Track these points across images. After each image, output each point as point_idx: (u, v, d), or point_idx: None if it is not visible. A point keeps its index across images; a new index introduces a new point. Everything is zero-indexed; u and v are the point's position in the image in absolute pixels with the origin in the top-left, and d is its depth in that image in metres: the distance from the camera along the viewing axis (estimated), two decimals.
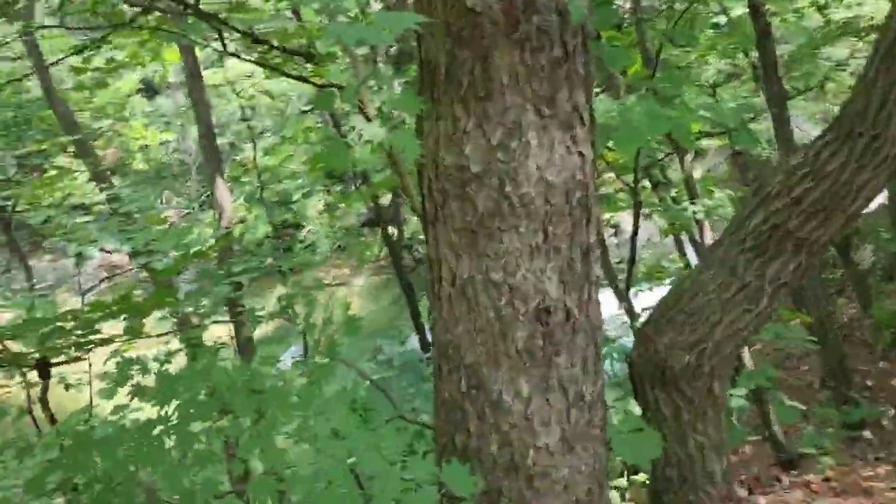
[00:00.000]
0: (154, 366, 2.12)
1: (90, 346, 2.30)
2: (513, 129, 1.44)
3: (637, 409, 2.36)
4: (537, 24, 1.41)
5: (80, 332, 2.10)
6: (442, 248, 1.58)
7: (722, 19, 6.73)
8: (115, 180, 14.53)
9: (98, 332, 2.29)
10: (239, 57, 2.43)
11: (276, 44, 2.48)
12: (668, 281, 6.07)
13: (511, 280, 1.52)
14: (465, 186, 1.49)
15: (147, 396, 1.68)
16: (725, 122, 2.48)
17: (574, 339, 1.58)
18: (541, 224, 1.50)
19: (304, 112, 14.91)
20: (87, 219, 6.01)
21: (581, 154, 1.51)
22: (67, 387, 7.53)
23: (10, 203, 7.92)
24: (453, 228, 1.54)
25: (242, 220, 13.49)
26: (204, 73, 11.98)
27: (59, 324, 2.07)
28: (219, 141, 18.29)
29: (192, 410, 1.63)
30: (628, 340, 5.04)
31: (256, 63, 2.52)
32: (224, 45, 2.31)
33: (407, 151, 1.42)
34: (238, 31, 2.33)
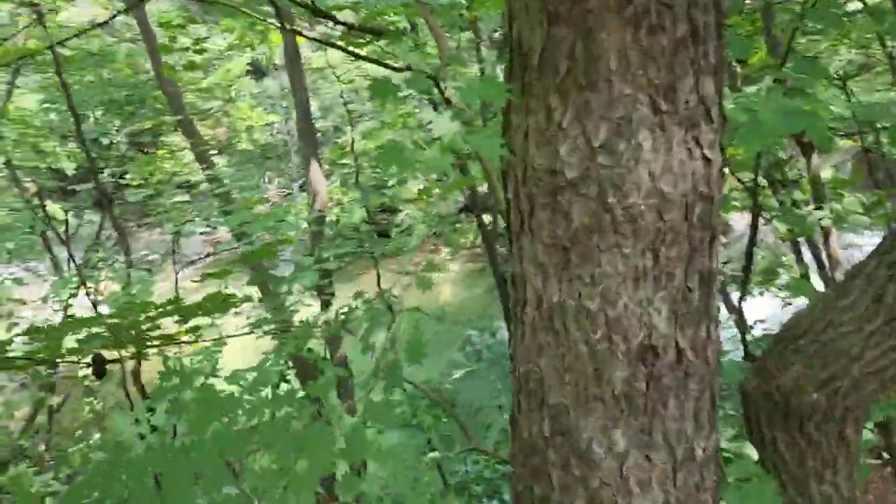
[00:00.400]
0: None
1: (151, 346, 2.18)
2: (621, 125, 1.17)
3: (751, 452, 2.04)
4: None
5: (136, 330, 1.97)
6: (527, 265, 1.32)
7: (856, 5, 6.08)
8: (222, 159, 14.95)
9: (157, 328, 2.16)
10: (299, 33, 2.24)
11: (341, 19, 2.27)
12: (780, 291, 5.55)
13: (610, 310, 1.24)
14: (558, 194, 1.23)
15: (186, 415, 1.53)
16: (876, 118, 2.10)
17: (685, 385, 1.29)
18: (650, 244, 1.21)
19: (404, 96, 14.84)
20: (184, 198, 6.05)
21: (706, 159, 1.21)
22: (166, 358, 7.72)
23: (114, 180, 8.16)
24: (541, 243, 1.28)
25: (339, 204, 13.56)
26: (309, 55, 12.08)
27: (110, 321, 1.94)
28: (322, 124, 18.62)
29: (226, 441, 1.47)
30: (736, 352, 4.61)
31: (320, 41, 2.32)
32: (282, 21, 2.13)
33: (485, 151, 1.16)
34: (296, 2, 2.13)
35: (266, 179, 20.25)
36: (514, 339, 1.43)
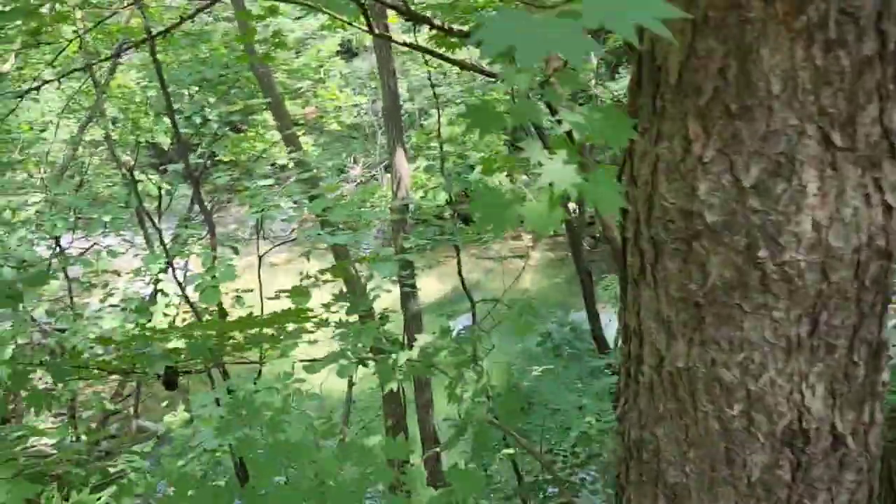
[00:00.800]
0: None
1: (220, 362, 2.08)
2: (780, 163, 0.94)
3: None
4: (839, 4, 0.89)
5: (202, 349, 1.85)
6: (646, 318, 1.11)
7: None
8: (309, 139, 15.10)
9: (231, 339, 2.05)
10: (389, 38, 2.05)
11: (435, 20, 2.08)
12: None
13: (751, 383, 1.02)
14: (694, 240, 1.01)
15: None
16: None
17: (840, 477, 1.06)
18: (809, 309, 0.99)
19: (493, 81, 14.58)
20: (268, 182, 6.04)
21: (887, 206, 0.97)
22: (242, 333, 7.81)
23: (204, 160, 8.27)
24: (667, 295, 1.06)
25: (423, 188, 13.49)
26: (399, 37, 11.97)
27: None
28: (409, 106, 18.54)
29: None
30: None
31: (411, 46, 2.13)
32: (369, 24, 1.95)
33: (602, 205, 0.95)
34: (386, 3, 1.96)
35: (352, 160, 20.41)
36: (625, 398, 1.22)
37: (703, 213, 0.99)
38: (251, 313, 2.12)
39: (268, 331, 2.27)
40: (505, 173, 19.41)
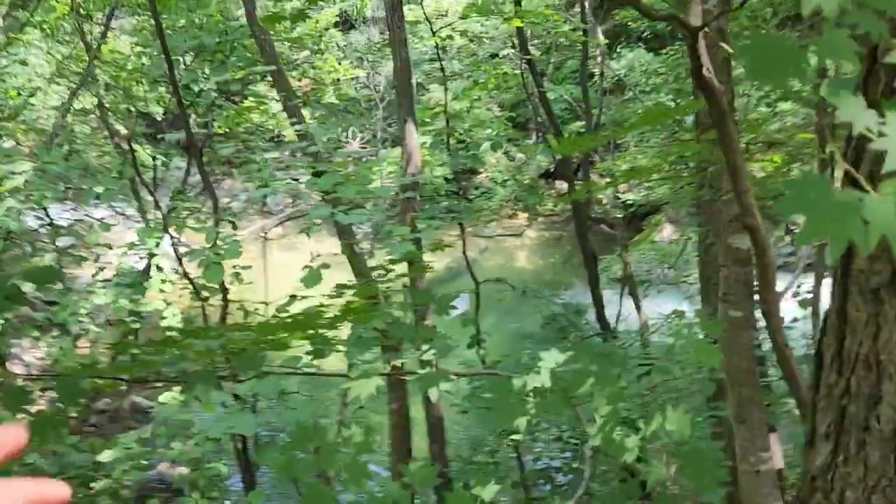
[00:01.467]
0: None
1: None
2: None
3: None
4: None
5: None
6: (890, 343, 0.83)
7: None
8: (305, 112, 14.72)
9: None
10: None
11: None
12: None
13: None
14: None
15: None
16: None
17: None
18: None
19: (495, 56, 14.21)
20: (274, 154, 5.73)
21: None
22: (246, 314, 7.56)
23: (203, 131, 7.93)
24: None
25: (426, 165, 13.16)
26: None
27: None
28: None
29: None
30: None
31: None
32: None
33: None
34: None
35: (349, 135, 20.02)
36: (834, 445, 0.93)
37: None
38: (277, 315, 1.84)
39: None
40: (502, 151, 19.12)
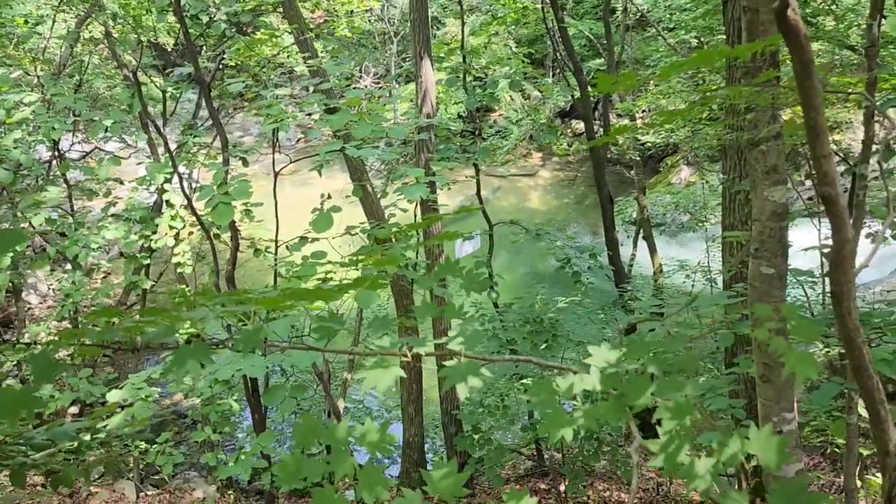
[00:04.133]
0: None
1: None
2: None
3: None
4: None
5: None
6: None
7: None
8: (318, 45, 14.40)
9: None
10: None
11: None
12: None
13: None
14: None
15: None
16: None
17: None
18: None
19: None
20: (286, 91, 5.55)
21: None
22: (257, 251, 7.50)
23: (211, 65, 7.70)
24: None
25: (441, 103, 12.90)
26: None
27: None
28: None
29: None
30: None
31: None
32: None
33: None
34: None
35: (361, 69, 19.60)
36: None
37: None
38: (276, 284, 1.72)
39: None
40: (519, 90, 18.67)
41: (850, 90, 2.52)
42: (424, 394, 7.26)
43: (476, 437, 6.19)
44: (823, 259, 4.69)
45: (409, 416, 6.62)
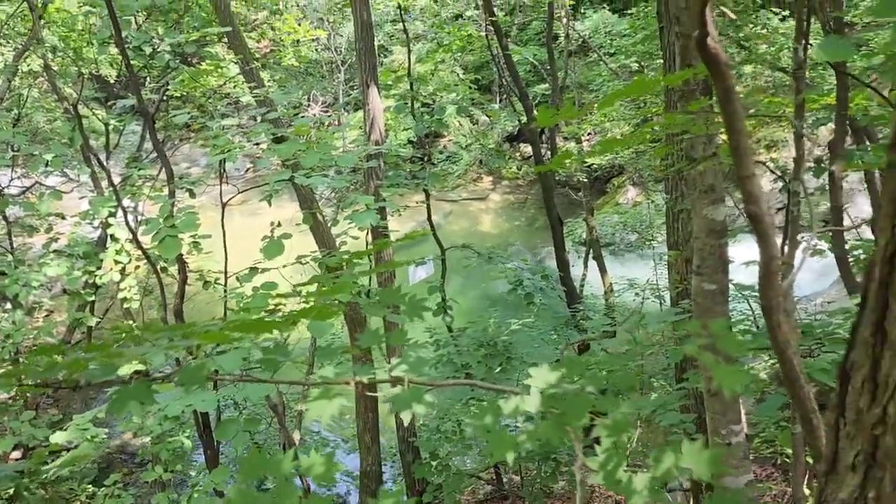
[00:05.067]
0: None
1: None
2: None
3: None
4: None
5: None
6: None
7: None
8: (265, 75, 14.33)
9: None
10: None
11: None
12: None
13: None
14: None
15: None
16: None
17: None
18: None
19: (459, 17, 13.94)
20: (233, 122, 5.51)
21: None
22: (206, 283, 7.38)
23: (154, 97, 7.62)
24: None
25: (390, 129, 12.94)
26: None
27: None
28: None
29: None
30: None
31: None
32: None
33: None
34: None
35: (309, 98, 19.58)
36: (833, 473, 0.85)
37: None
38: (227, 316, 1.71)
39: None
40: (467, 115, 18.87)
41: (780, 111, 2.63)
42: (382, 422, 7.20)
43: (434, 463, 6.16)
44: None
45: (366, 445, 6.55)
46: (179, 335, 1.13)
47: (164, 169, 6.08)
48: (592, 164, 13.83)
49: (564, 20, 11.38)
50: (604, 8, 15.91)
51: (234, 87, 11.63)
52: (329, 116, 18.95)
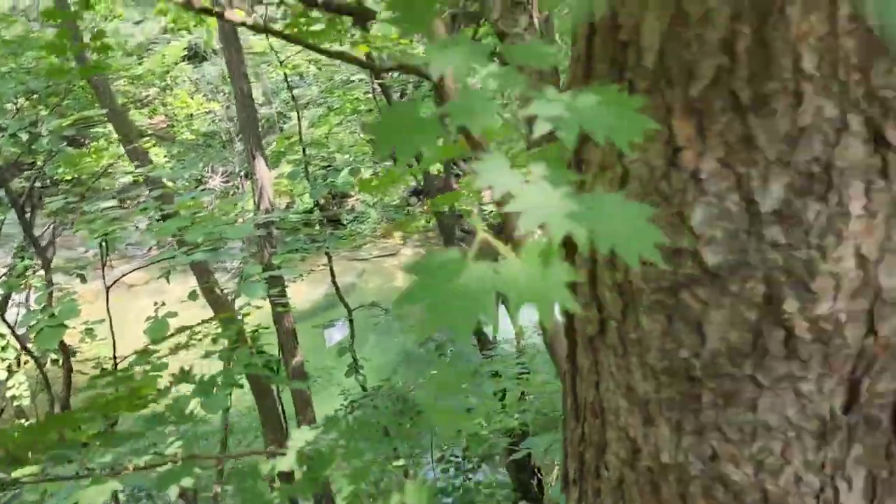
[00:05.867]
0: None
1: None
2: (814, 174, 0.64)
3: None
4: None
5: None
6: (612, 395, 0.80)
7: None
8: (161, 150, 14.09)
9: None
10: (222, 17, 1.58)
11: None
12: None
13: (770, 483, 0.73)
14: (684, 290, 0.70)
15: None
16: None
17: None
18: (848, 374, 0.70)
19: (351, 81, 14.15)
20: (110, 203, 5.39)
21: None
22: (103, 371, 7.04)
23: (26, 185, 7.39)
24: (643, 365, 0.75)
25: (288, 195, 12.91)
26: (249, 38, 11.29)
27: None
28: (266, 111, 17.84)
29: None
30: None
31: (255, 28, 1.71)
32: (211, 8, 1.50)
33: (630, 248, 0.56)
34: None
35: (210, 170, 19.32)
36: (578, 496, 0.90)
37: (699, 253, 0.68)
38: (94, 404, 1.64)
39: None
40: (372, 173, 19.00)
41: None
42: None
43: None
44: None
45: None
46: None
47: (41, 263, 5.86)
48: (491, 211, 14.11)
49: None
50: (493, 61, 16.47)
51: (128, 165, 11.36)
52: (231, 186, 18.71)
